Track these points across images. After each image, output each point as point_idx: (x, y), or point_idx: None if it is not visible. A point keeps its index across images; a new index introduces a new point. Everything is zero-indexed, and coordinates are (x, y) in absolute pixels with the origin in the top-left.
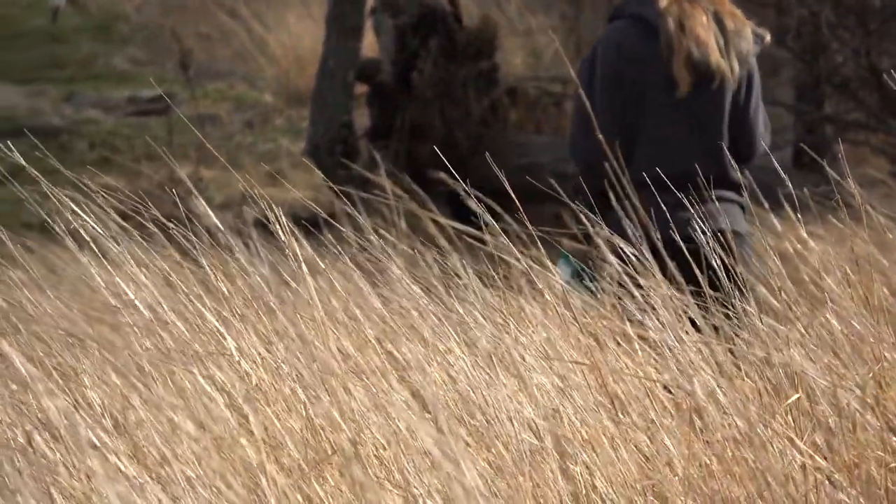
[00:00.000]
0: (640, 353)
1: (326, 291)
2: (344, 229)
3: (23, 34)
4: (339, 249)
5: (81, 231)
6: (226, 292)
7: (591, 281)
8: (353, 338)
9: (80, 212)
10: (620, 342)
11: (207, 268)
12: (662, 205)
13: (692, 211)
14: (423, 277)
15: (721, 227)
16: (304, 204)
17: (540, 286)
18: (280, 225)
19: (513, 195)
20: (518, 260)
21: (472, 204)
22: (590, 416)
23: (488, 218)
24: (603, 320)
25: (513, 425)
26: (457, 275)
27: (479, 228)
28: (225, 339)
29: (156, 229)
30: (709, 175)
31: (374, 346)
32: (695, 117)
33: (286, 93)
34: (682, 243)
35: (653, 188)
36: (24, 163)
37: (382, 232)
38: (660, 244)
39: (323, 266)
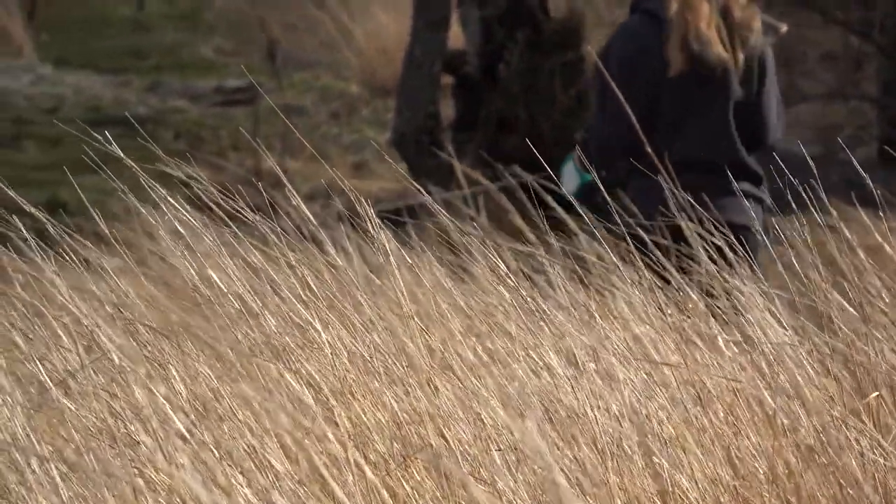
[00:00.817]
0: (726, 349)
1: (412, 285)
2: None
3: (108, 23)
4: (422, 244)
5: (175, 222)
6: (313, 285)
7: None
8: (439, 332)
9: (174, 203)
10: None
11: (294, 261)
12: (682, 187)
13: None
14: (509, 273)
15: (733, 219)
16: (389, 195)
17: (628, 282)
18: (368, 218)
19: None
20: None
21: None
22: (676, 414)
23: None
24: (690, 317)
25: (598, 422)
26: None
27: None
28: (317, 332)
29: (243, 220)
30: (721, 163)
31: (461, 341)
32: (700, 107)
33: (372, 83)
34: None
35: (678, 172)
36: (120, 153)
37: (467, 227)
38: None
39: (410, 261)
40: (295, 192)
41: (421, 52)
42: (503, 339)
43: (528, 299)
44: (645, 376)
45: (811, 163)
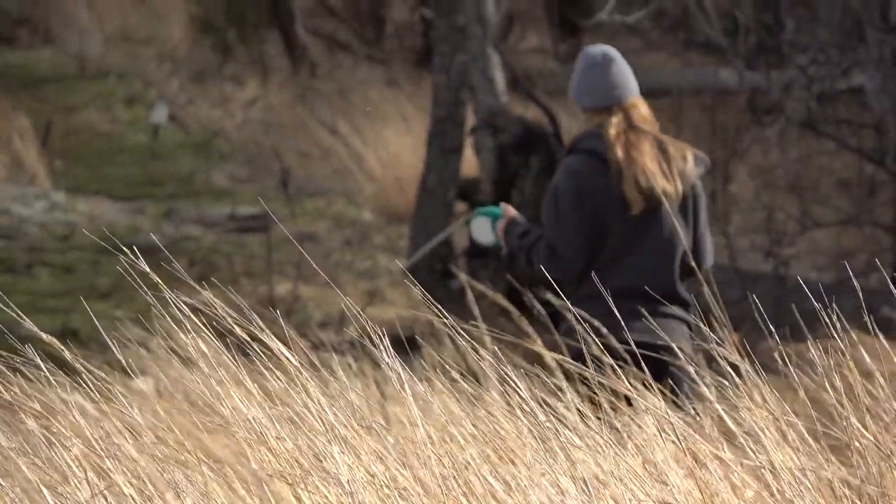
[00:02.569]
0: (739, 473)
1: (426, 411)
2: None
3: (124, 150)
4: (439, 369)
5: (191, 349)
6: (327, 412)
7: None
8: (453, 460)
9: (191, 330)
10: (721, 462)
11: (309, 387)
12: (620, 314)
13: (646, 323)
14: (524, 398)
15: (670, 340)
16: (403, 322)
17: (643, 406)
18: (381, 345)
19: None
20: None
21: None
22: None
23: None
24: (703, 441)
25: None
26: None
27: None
28: (332, 459)
29: (256, 347)
30: (662, 289)
31: (475, 469)
32: (648, 236)
33: (385, 210)
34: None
35: (615, 299)
36: (154, 275)
37: (481, 353)
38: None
39: (422, 388)
40: (306, 319)
41: (435, 179)
42: (518, 465)
43: (543, 426)
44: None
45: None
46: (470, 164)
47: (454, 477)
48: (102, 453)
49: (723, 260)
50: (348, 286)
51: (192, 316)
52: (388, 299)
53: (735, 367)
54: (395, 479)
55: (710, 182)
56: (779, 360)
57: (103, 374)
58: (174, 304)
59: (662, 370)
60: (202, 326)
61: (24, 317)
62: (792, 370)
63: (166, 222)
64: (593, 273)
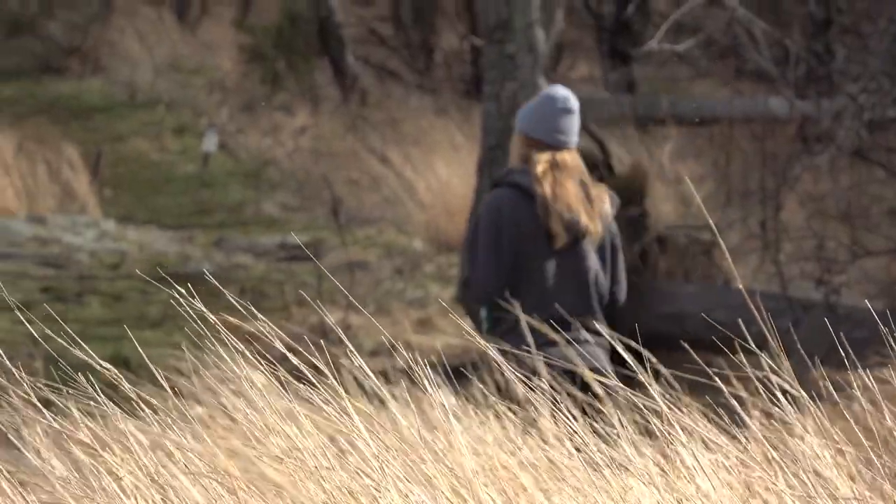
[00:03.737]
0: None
1: (477, 441)
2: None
3: (174, 179)
4: (489, 397)
5: (244, 380)
6: (380, 442)
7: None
8: (505, 488)
9: (241, 359)
10: (773, 492)
11: (356, 418)
12: (546, 342)
13: (568, 348)
14: (575, 428)
15: (591, 365)
16: (454, 351)
17: (695, 435)
18: (425, 375)
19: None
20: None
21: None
22: None
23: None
24: (756, 472)
25: None
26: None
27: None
28: (383, 490)
29: (307, 376)
30: (580, 318)
31: (528, 495)
32: (568, 269)
33: (435, 239)
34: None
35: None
36: (199, 305)
37: (533, 381)
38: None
39: (470, 416)
40: (357, 348)
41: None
42: (570, 494)
43: (595, 454)
44: None
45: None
46: None
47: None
48: (155, 482)
49: (774, 288)
50: (399, 314)
51: (243, 345)
52: (438, 328)
53: (790, 396)
54: None
55: (759, 211)
56: (830, 388)
57: (155, 403)
58: (224, 333)
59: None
60: (252, 356)
61: (81, 343)
62: (843, 399)
63: (216, 251)
64: (519, 304)
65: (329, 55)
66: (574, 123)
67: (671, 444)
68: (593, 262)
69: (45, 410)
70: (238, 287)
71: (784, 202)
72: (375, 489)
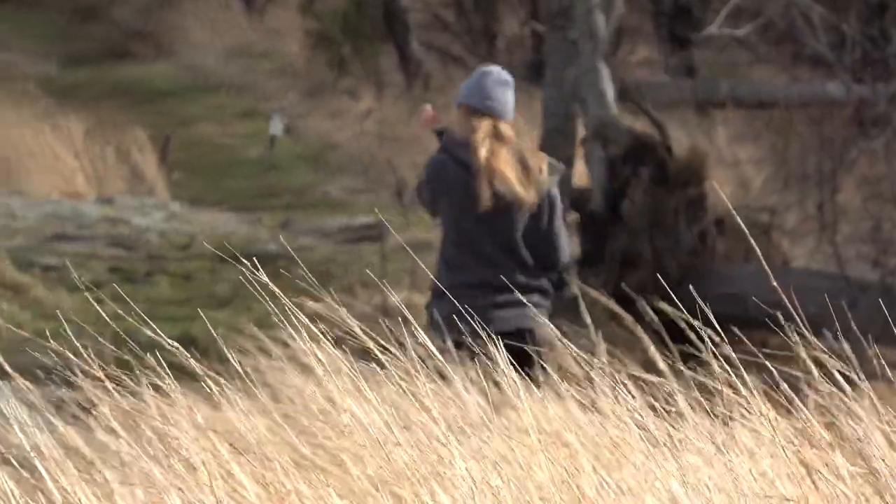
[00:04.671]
0: (850, 481)
1: (540, 417)
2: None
3: (241, 162)
4: (549, 376)
5: (316, 357)
6: (443, 418)
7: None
8: (567, 463)
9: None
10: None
11: (424, 394)
12: (477, 304)
13: (496, 311)
14: (636, 405)
15: (520, 326)
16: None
17: (752, 414)
18: (493, 353)
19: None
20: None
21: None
22: None
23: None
24: (814, 449)
25: None
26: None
27: (692, 355)
28: (448, 464)
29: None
30: (514, 280)
31: (589, 473)
32: (497, 234)
33: None
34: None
35: (472, 290)
36: (272, 286)
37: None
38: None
39: (534, 395)
40: (420, 327)
41: None
42: (630, 470)
43: (655, 432)
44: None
45: None
46: (581, 174)
47: (567, 481)
48: (220, 459)
49: (831, 269)
50: None
51: (310, 324)
52: None
53: (845, 375)
54: (509, 482)
55: (816, 193)
56: (885, 367)
57: (223, 381)
58: (292, 312)
59: (521, 352)
60: (320, 334)
61: (150, 322)
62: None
63: (282, 232)
64: (449, 269)
65: (394, 40)
66: (509, 96)
67: (729, 422)
68: (521, 227)
69: (113, 390)
70: (303, 268)
71: (841, 185)
72: (441, 463)
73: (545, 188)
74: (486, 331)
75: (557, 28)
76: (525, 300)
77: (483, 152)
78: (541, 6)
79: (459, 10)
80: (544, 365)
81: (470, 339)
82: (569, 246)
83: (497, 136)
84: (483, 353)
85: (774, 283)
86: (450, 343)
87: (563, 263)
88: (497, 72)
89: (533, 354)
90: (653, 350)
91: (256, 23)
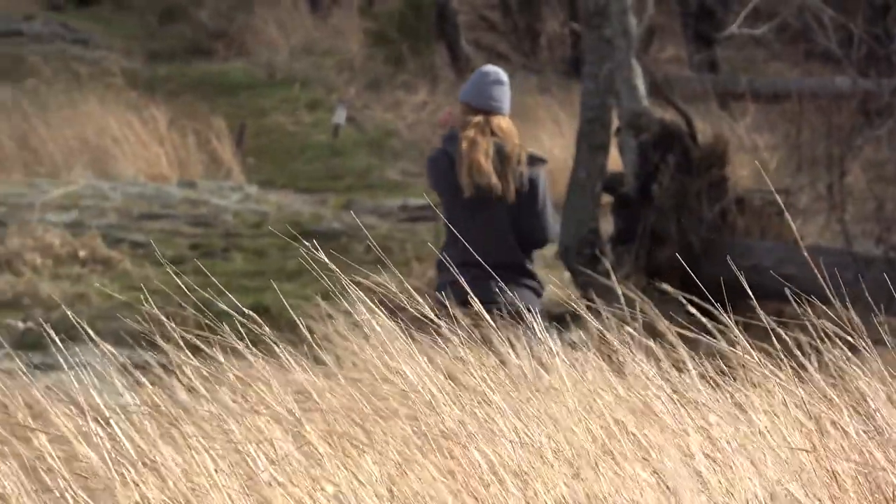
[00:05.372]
0: (855, 437)
1: (577, 381)
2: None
3: (308, 148)
4: (586, 343)
5: (373, 325)
6: (490, 381)
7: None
8: (601, 422)
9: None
10: (839, 426)
11: (468, 358)
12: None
13: (490, 288)
14: (660, 371)
15: (498, 301)
16: (557, 300)
17: (764, 375)
18: (533, 321)
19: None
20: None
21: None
22: (812, 494)
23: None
24: (823, 407)
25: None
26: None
27: (715, 320)
28: (493, 422)
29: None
30: (496, 260)
31: (620, 431)
32: (482, 220)
33: None
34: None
35: (461, 267)
36: (331, 262)
37: (626, 329)
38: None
39: (573, 359)
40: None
41: (584, 174)
42: (657, 428)
43: (678, 394)
44: (784, 462)
45: None
46: (615, 160)
47: (603, 438)
48: (293, 417)
49: (839, 245)
50: None
51: (370, 295)
52: (543, 281)
53: (851, 342)
54: (551, 438)
55: (826, 176)
56: (888, 334)
57: (292, 346)
58: (353, 284)
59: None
60: (377, 304)
61: (227, 293)
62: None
63: (345, 212)
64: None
65: (445, 39)
66: (504, 93)
67: (746, 384)
68: (505, 213)
69: (194, 354)
70: (365, 244)
71: (848, 169)
72: (488, 421)
73: (525, 177)
74: (485, 303)
75: (594, 27)
76: (518, 280)
77: (464, 145)
78: (579, 7)
79: (505, 12)
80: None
81: (462, 310)
82: (557, 223)
83: (486, 130)
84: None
85: (809, 259)
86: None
87: (551, 240)
88: (494, 72)
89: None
90: (667, 325)
91: (321, 24)
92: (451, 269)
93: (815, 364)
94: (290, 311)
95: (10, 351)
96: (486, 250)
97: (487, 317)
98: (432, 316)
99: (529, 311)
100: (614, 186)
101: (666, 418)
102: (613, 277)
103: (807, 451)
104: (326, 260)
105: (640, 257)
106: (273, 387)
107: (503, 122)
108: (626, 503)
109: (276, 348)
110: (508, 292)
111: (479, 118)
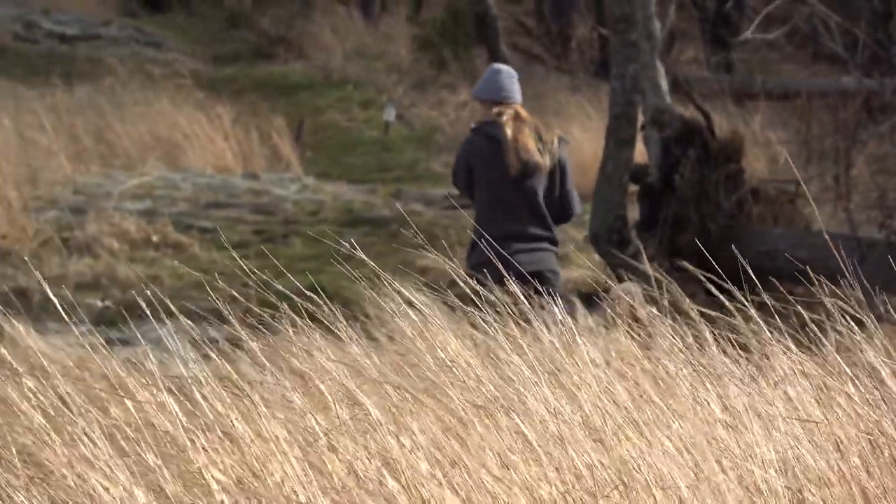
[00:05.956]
0: (862, 405)
1: (605, 352)
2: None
3: (360, 143)
4: (615, 318)
5: (420, 304)
6: (529, 353)
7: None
8: (627, 392)
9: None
10: (848, 394)
11: (500, 335)
12: (509, 250)
13: (522, 255)
14: (685, 345)
15: (540, 268)
16: (586, 281)
17: (777, 349)
18: (556, 300)
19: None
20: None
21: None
22: (820, 458)
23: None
24: (832, 378)
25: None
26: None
27: (733, 299)
28: (525, 396)
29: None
30: (534, 231)
31: (646, 400)
32: (523, 193)
33: None
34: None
35: (506, 240)
36: (357, 255)
37: (651, 308)
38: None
39: (601, 333)
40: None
41: (612, 166)
42: (680, 398)
43: (700, 366)
44: (796, 428)
45: None
46: (640, 153)
47: (628, 406)
48: (344, 387)
49: (845, 231)
50: None
51: (417, 277)
52: (574, 262)
53: (858, 318)
54: (582, 404)
55: (833, 168)
56: (891, 311)
57: (346, 324)
58: (402, 266)
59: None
60: (424, 285)
61: (287, 274)
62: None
63: (394, 201)
64: (485, 223)
65: (485, 43)
66: (516, 85)
67: (763, 357)
68: (542, 188)
69: (258, 329)
70: (412, 230)
71: (853, 161)
72: (522, 390)
73: (557, 155)
74: (514, 273)
75: (620, 32)
76: (545, 246)
77: (510, 131)
78: (606, 13)
79: (539, 18)
80: (560, 295)
81: (503, 280)
82: (580, 201)
83: (519, 117)
84: (520, 291)
85: (830, 244)
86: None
87: (577, 214)
88: (506, 69)
89: (550, 289)
90: (689, 303)
91: (372, 30)
92: (487, 246)
93: (830, 339)
94: (343, 292)
95: (90, 327)
96: (528, 223)
97: (520, 292)
98: (478, 293)
99: (557, 274)
100: (640, 177)
101: (687, 388)
102: (645, 260)
103: (815, 422)
104: (372, 244)
105: (664, 242)
106: (329, 359)
107: (522, 110)
108: (649, 467)
109: (331, 325)
110: (547, 259)
111: (511, 109)
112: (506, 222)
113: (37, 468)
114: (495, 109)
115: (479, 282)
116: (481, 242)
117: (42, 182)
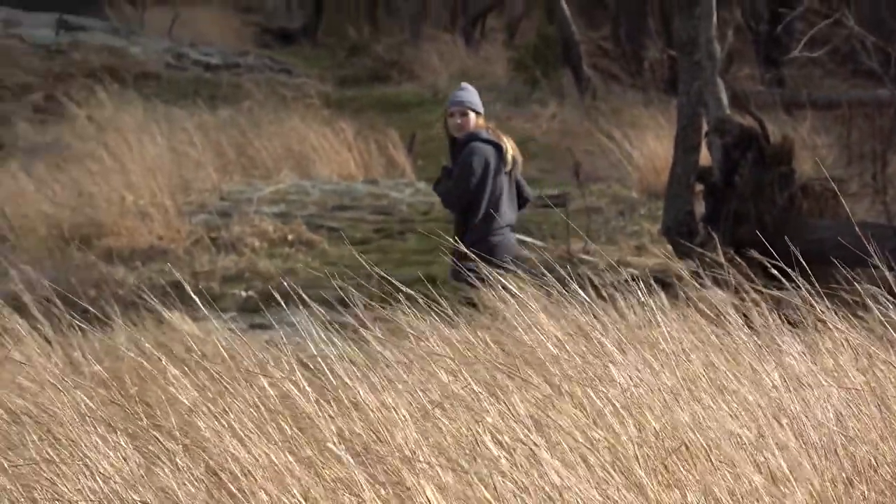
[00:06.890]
0: None
1: (682, 331)
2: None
3: None
4: (688, 300)
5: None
6: (614, 331)
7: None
8: (699, 363)
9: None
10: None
11: (580, 315)
12: (508, 239)
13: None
14: (745, 322)
15: (519, 254)
16: (661, 268)
17: (830, 326)
18: (639, 285)
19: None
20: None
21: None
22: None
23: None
24: (874, 349)
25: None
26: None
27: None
28: (611, 370)
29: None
30: (515, 221)
31: (714, 371)
32: (510, 189)
33: (647, 190)
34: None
35: (505, 229)
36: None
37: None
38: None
39: (674, 313)
40: (593, 266)
41: (680, 169)
42: (743, 368)
43: (759, 340)
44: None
45: None
46: (705, 157)
47: (701, 374)
48: (466, 363)
49: (882, 220)
50: (622, 243)
51: (514, 265)
52: (649, 252)
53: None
54: (659, 376)
55: (871, 167)
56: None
57: (449, 308)
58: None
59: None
60: (519, 274)
61: (404, 266)
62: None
63: None
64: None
65: (570, 65)
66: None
67: (814, 333)
68: (515, 184)
69: (377, 316)
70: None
71: (889, 161)
72: (610, 364)
73: (516, 157)
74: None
75: (686, 53)
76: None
77: (504, 137)
78: (674, 37)
79: (616, 42)
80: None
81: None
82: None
83: (495, 127)
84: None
85: (868, 235)
86: (511, 266)
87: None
88: (468, 85)
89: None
90: (766, 292)
91: (473, 55)
92: (492, 235)
93: (869, 315)
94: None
95: (235, 314)
96: (513, 214)
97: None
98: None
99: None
100: (704, 178)
101: (750, 359)
102: (718, 248)
103: (858, 389)
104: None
105: (726, 234)
106: (440, 339)
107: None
108: (717, 428)
109: (440, 310)
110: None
111: (491, 122)
112: (505, 214)
113: (193, 436)
114: (479, 121)
115: (495, 263)
116: (491, 228)
117: (193, 190)
